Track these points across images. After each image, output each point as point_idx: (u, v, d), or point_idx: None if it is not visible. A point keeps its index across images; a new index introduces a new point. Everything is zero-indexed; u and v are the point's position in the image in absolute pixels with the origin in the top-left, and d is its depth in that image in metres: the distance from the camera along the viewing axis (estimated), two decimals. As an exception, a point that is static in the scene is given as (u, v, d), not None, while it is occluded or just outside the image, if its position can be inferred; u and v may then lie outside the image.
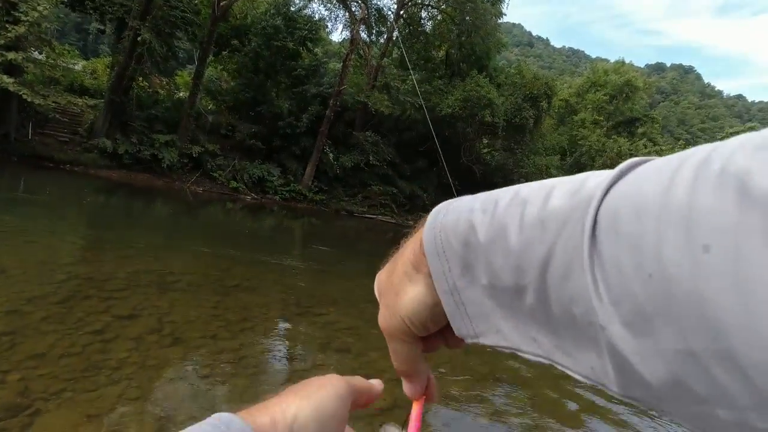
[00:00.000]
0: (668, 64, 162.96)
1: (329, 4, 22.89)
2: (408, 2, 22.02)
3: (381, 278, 0.38)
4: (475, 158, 22.58)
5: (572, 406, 4.31)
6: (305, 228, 15.26)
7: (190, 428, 0.27)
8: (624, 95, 31.69)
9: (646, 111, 35.45)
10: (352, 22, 21.59)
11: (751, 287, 0.17)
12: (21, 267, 5.12)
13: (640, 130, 33.01)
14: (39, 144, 15.11)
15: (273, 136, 19.60)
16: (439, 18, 23.02)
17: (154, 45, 15.78)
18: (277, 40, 19.61)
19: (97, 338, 3.81)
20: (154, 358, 3.72)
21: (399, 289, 0.35)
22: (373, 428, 0.38)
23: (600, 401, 4.41)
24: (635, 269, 0.21)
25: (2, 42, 12.76)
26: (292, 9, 21.37)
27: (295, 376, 3.97)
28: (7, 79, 12.59)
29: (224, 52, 21.07)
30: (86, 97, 16.53)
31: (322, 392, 0.35)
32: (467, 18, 21.07)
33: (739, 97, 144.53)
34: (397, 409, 3.29)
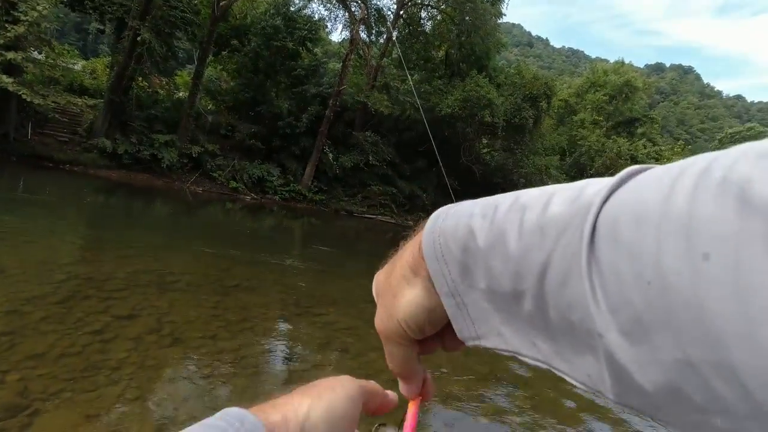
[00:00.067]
0: (668, 65, 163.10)
1: (329, 4, 22.90)
2: (408, 2, 22.02)
3: (379, 279, 0.38)
4: (475, 158, 22.57)
5: (572, 405, 4.31)
6: (305, 228, 15.26)
7: (202, 422, 0.27)
8: (623, 95, 31.71)
9: (645, 111, 35.48)
10: (352, 22, 21.59)
11: (751, 296, 0.17)
12: (20, 267, 5.12)
13: (639, 131, 33.03)
14: (38, 144, 15.11)
15: (273, 136, 19.59)
16: (438, 18, 23.01)
17: (153, 45, 15.77)
18: (277, 40, 19.61)
19: (97, 338, 3.80)
20: (154, 358, 3.72)
21: (397, 291, 0.35)
22: (369, 428, 0.38)
23: (599, 401, 4.41)
24: (634, 277, 0.21)
25: (2, 42, 12.75)
26: (292, 9, 21.36)
27: (294, 377, 3.97)
28: (6, 79, 12.58)
29: (224, 52, 21.07)
30: (86, 96, 16.52)
31: (333, 392, 0.35)
32: (467, 18, 21.07)
33: (739, 97, 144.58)
34: (397, 410, 3.29)
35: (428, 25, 23.49)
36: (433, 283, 0.32)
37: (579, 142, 28.24)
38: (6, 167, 13.14)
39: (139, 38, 15.52)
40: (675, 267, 0.19)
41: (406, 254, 0.35)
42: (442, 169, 12.53)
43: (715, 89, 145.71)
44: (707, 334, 0.18)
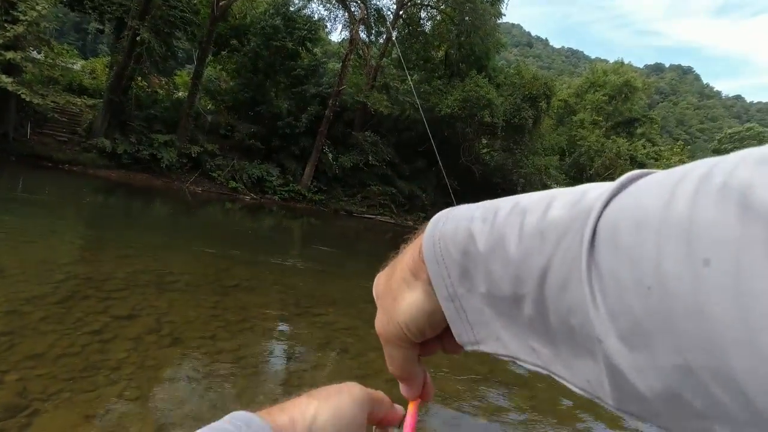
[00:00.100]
0: (667, 65, 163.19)
1: (328, 4, 22.89)
2: (407, 2, 22.02)
3: (379, 282, 0.38)
4: (475, 158, 22.57)
5: (570, 404, 4.32)
6: (304, 228, 15.25)
7: (210, 425, 0.27)
8: (623, 96, 31.72)
9: (644, 111, 35.53)
10: (352, 22, 21.59)
11: (751, 302, 0.16)
12: (20, 267, 5.11)
13: (639, 131, 33.06)
14: (37, 143, 15.09)
15: (272, 136, 19.58)
16: (438, 18, 23.01)
17: (153, 45, 15.76)
18: (277, 40, 19.60)
19: (96, 338, 3.80)
20: (153, 358, 3.71)
21: (397, 294, 0.35)
22: (369, 427, 0.38)
23: (598, 400, 4.41)
24: (634, 282, 0.21)
25: (1, 41, 12.73)
26: (292, 9, 21.36)
27: (294, 377, 3.97)
28: (5, 79, 12.57)
29: (223, 52, 21.05)
30: (85, 96, 16.52)
31: (340, 396, 0.35)
32: (466, 18, 21.06)
33: (738, 97, 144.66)
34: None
35: (428, 26, 23.49)
36: (433, 287, 0.32)
37: (578, 143, 28.26)
38: (5, 167, 13.12)
39: (138, 38, 15.51)
40: (675, 272, 0.19)
41: (406, 257, 0.35)
42: (442, 169, 12.53)
43: (715, 89, 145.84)
44: (707, 340, 0.18)
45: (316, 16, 22.58)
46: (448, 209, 0.34)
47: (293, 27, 20.21)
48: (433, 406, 3.75)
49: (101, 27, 20.26)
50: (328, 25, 24.22)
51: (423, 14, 23.27)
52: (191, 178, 17.23)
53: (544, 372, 0.28)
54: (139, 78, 17.96)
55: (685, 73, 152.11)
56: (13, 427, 2.62)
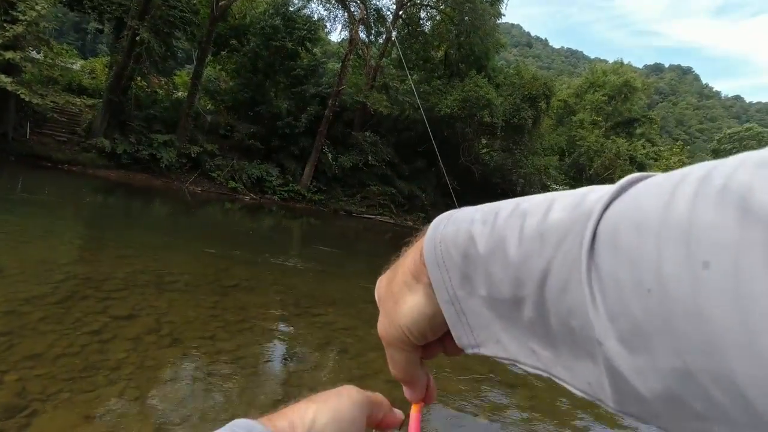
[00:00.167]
0: (666, 65, 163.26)
1: (328, 4, 22.89)
2: (407, 2, 22.02)
3: (381, 285, 0.38)
4: (474, 158, 22.57)
5: (569, 404, 4.32)
6: (304, 228, 15.25)
7: None
8: (622, 96, 31.74)
9: (644, 111, 35.53)
10: (351, 23, 21.59)
11: (750, 304, 0.16)
12: (19, 267, 5.11)
13: (638, 131, 33.09)
14: (37, 143, 15.08)
15: (272, 136, 19.58)
16: (437, 18, 23.01)
17: (152, 45, 15.75)
18: (276, 40, 19.60)
19: (95, 338, 3.80)
20: (153, 358, 3.71)
21: (398, 297, 0.35)
22: (368, 430, 0.38)
23: (599, 402, 4.41)
24: (634, 284, 0.21)
25: (0, 41, 12.72)
26: (291, 9, 21.35)
27: (293, 377, 3.97)
28: (5, 79, 12.56)
29: (223, 52, 21.04)
30: (84, 96, 16.51)
31: (338, 398, 0.35)
32: (466, 18, 21.07)
33: (737, 97, 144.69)
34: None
35: (427, 26, 23.50)
36: (434, 290, 0.32)
37: (578, 143, 28.27)
38: (4, 167, 13.11)
39: (137, 38, 15.50)
40: (675, 275, 0.19)
41: (407, 260, 0.35)
42: (443, 168, 12.52)
43: (714, 90, 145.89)
44: (707, 342, 0.18)
45: (315, 16, 22.60)
46: (449, 212, 0.34)
47: (293, 27, 20.20)
48: (434, 406, 3.75)
49: (101, 27, 20.25)
50: (328, 25, 24.24)
51: (422, 14, 23.28)
52: (191, 178, 17.22)
53: (545, 374, 0.28)
54: (139, 78, 17.94)
55: (684, 73, 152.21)
56: (13, 428, 2.62)
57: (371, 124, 21.19)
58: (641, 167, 27.80)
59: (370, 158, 20.11)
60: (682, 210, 0.20)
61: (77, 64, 23.44)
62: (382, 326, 0.36)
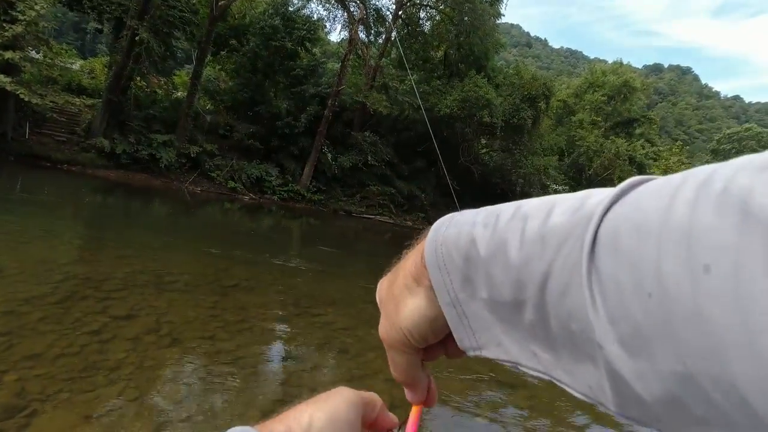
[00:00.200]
0: (666, 65, 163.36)
1: (327, 4, 22.90)
2: (406, 2, 22.03)
3: (382, 287, 0.38)
4: (474, 158, 22.58)
5: (570, 404, 4.32)
6: (303, 228, 15.25)
7: None
8: (622, 96, 31.78)
9: (643, 112, 35.57)
10: (351, 23, 21.58)
11: (750, 307, 0.16)
12: (18, 267, 5.10)
13: (637, 131, 33.13)
14: (36, 143, 15.06)
15: (271, 136, 19.58)
16: (437, 18, 23.03)
17: (152, 44, 15.75)
18: (276, 40, 19.59)
19: (95, 339, 3.80)
20: (152, 358, 3.71)
21: (399, 300, 0.35)
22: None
23: (600, 405, 4.42)
24: (634, 287, 0.21)
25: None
26: (291, 9, 21.34)
27: (293, 377, 3.97)
28: (4, 79, 12.55)
29: (222, 52, 21.04)
30: (84, 96, 16.50)
31: (333, 399, 0.35)
32: (466, 18, 21.08)
33: (737, 98, 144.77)
34: (396, 409, 3.28)
35: (427, 26, 23.51)
36: (435, 293, 0.32)
37: (577, 143, 28.29)
38: (4, 167, 13.11)
39: (137, 38, 15.50)
40: (675, 277, 0.19)
41: (408, 263, 0.35)
42: (443, 168, 12.53)
43: (713, 90, 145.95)
44: (707, 345, 0.18)
45: (315, 16, 22.61)
46: (450, 215, 0.34)
47: (292, 27, 20.20)
48: (435, 406, 3.75)
49: (100, 27, 20.23)
50: (327, 25, 24.22)
51: (422, 14, 23.30)
52: (190, 178, 17.22)
53: (546, 377, 0.28)
54: (138, 78, 17.93)
55: (683, 73, 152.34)
56: (12, 428, 2.62)
57: (371, 124, 21.19)
58: (640, 167, 27.84)
59: (369, 158, 20.12)
60: (682, 213, 0.20)
61: (76, 64, 23.44)
62: (384, 328, 0.37)
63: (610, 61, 41.08)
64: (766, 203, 0.17)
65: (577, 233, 0.24)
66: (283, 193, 18.80)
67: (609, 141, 27.93)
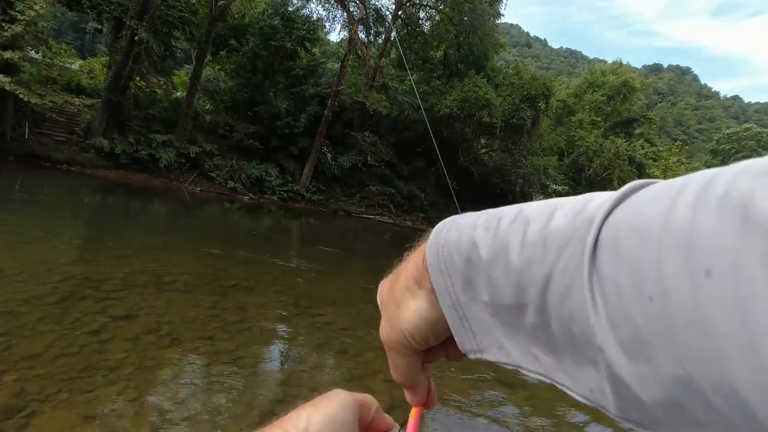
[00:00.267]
0: (665, 65, 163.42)
1: (327, 4, 22.91)
2: (406, 2, 22.03)
3: (383, 289, 0.38)
4: (473, 158, 22.57)
5: (569, 404, 4.32)
6: (303, 228, 15.25)
7: None
8: (621, 96, 31.80)
9: (643, 112, 35.57)
10: (350, 23, 21.58)
11: (751, 311, 0.17)
12: (18, 267, 5.10)
13: (637, 131, 33.14)
14: (35, 143, 15.05)
15: (271, 136, 19.57)
16: (437, 18, 23.03)
17: (151, 44, 15.74)
18: (275, 40, 19.59)
19: (94, 339, 3.79)
20: (152, 358, 3.71)
21: (401, 302, 0.35)
22: None
23: (601, 408, 4.42)
24: (635, 291, 0.21)
25: (-1, 41, 12.71)
26: (290, 9, 21.35)
27: (293, 377, 3.97)
28: (3, 78, 12.54)
29: (222, 52, 21.03)
30: (83, 96, 16.49)
31: (329, 401, 0.35)
32: (465, 18, 21.09)
33: (736, 98, 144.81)
34: (395, 410, 3.29)
35: (426, 26, 23.51)
36: (436, 296, 0.32)
37: (577, 143, 28.28)
38: (3, 167, 13.10)
39: (136, 38, 15.49)
40: (676, 282, 0.19)
41: (409, 265, 0.35)
42: (443, 168, 12.52)
43: (713, 90, 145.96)
44: (707, 350, 0.18)
45: (314, 16, 22.62)
46: (452, 217, 0.34)
47: (292, 27, 20.20)
48: (434, 408, 3.75)
49: (99, 27, 20.22)
50: (327, 25, 24.22)
51: (422, 14, 23.30)
52: (190, 178, 17.21)
53: (547, 380, 0.28)
54: (138, 78, 17.92)
55: (683, 73, 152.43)
56: (11, 428, 2.61)
57: (370, 124, 21.20)
58: (640, 167, 27.84)
59: (369, 158, 20.12)
60: (683, 217, 0.20)
61: (76, 64, 23.43)
62: (384, 330, 0.37)
63: (609, 61, 41.14)
64: (766, 207, 0.17)
65: (579, 236, 0.24)
66: (282, 193, 18.79)
67: (608, 141, 27.92)
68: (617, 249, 0.22)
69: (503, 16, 23.51)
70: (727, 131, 65.35)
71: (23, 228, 7.02)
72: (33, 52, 14.63)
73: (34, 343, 3.52)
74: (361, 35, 22.01)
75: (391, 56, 23.44)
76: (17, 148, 14.34)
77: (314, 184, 19.62)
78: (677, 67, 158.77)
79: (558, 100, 30.11)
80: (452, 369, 4.56)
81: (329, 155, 19.61)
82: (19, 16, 12.99)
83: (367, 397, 0.37)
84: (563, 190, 26.45)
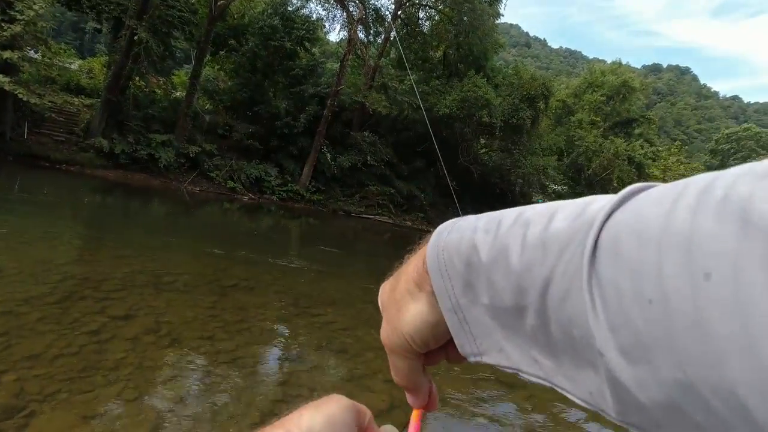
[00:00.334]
0: (665, 65, 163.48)
1: (327, 4, 22.89)
2: (405, 2, 22.02)
3: (384, 291, 0.38)
4: (473, 158, 22.58)
5: (568, 404, 4.32)
6: (303, 228, 15.25)
7: None
8: (621, 96, 31.81)
9: (642, 112, 35.60)
10: (350, 22, 21.58)
11: (750, 314, 0.17)
12: (17, 267, 5.09)
13: (636, 131, 33.16)
14: (35, 143, 15.04)
15: (270, 136, 19.57)
16: (436, 18, 23.03)
17: (151, 44, 15.73)
18: (275, 40, 19.59)
19: (94, 339, 3.79)
20: (151, 358, 3.71)
21: (401, 305, 0.35)
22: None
23: (600, 411, 4.42)
24: (635, 294, 0.21)
25: (-2, 41, 12.70)
26: (290, 9, 21.34)
27: (292, 378, 3.97)
28: (2, 78, 12.53)
29: (221, 52, 21.03)
30: (83, 96, 16.47)
31: (329, 403, 0.35)
32: (465, 18, 21.09)
33: (735, 98, 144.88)
34: (395, 410, 3.29)
35: (426, 26, 23.51)
36: (437, 298, 0.32)
37: (576, 143, 28.29)
38: (2, 167, 13.08)
39: (136, 37, 15.48)
40: (676, 285, 0.19)
41: (410, 268, 0.35)
42: (443, 168, 12.53)
43: (712, 90, 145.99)
44: (707, 353, 0.18)
45: (314, 16, 22.60)
46: (452, 220, 0.34)
47: (291, 27, 20.20)
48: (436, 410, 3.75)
49: (99, 26, 20.22)
50: (327, 25, 24.20)
51: (421, 14, 23.29)
52: (189, 178, 17.20)
53: (547, 384, 0.28)
54: (137, 78, 17.91)
55: (682, 73, 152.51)
56: (10, 428, 2.61)
57: (370, 124, 21.20)
58: (639, 167, 27.85)
59: (368, 158, 20.12)
60: (683, 220, 0.20)
61: (75, 64, 23.41)
62: (385, 333, 0.37)
63: (609, 61, 41.16)
64: (766, 211, 0.17)
65: (579, 239, 0.24)
66: (282, 193, 18.79)
67: (608, 141, 27.93)
68: (617, 251, 0.22)
69: (503, 16, 23.54)
70: (727, 131, 65.39)
71: (23, 228, 7.01)
72: (32, 52, 14.62)
73: (33, 343, 3.51)
74: (361, 35, 22.02)
75: (391, 56, 23.45)
76: (16, 148, 14.33)
77: (314, 184, 19.62)
78: (677, 67, 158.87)
79: (557, 100, 30.12)
80: (452, 368, 4.56)
81: (329, 155, 19.61)
82: (19, 16, 12.98)
83: (363, 406, 0.37)
84: (563, 190, 26.47)
